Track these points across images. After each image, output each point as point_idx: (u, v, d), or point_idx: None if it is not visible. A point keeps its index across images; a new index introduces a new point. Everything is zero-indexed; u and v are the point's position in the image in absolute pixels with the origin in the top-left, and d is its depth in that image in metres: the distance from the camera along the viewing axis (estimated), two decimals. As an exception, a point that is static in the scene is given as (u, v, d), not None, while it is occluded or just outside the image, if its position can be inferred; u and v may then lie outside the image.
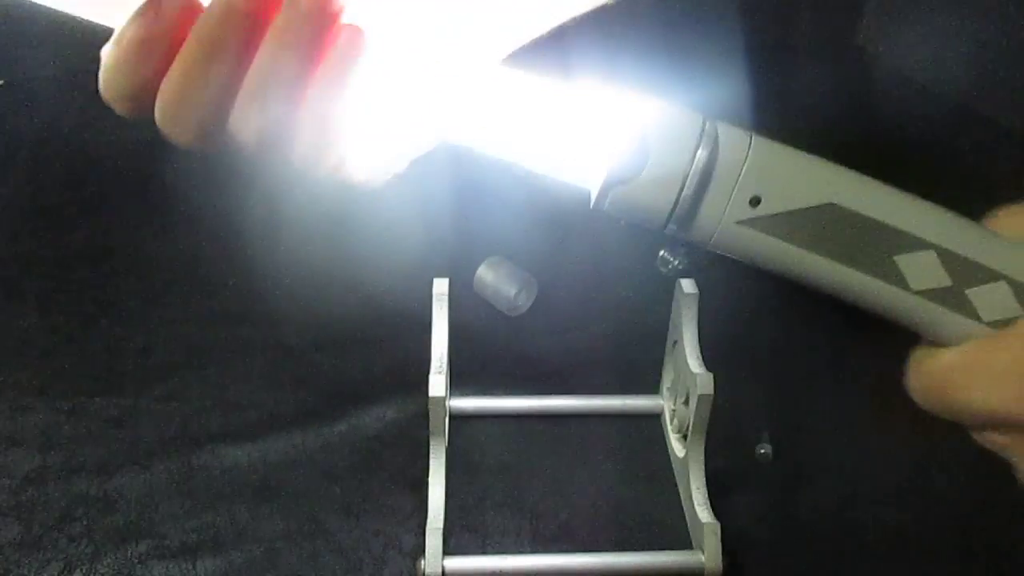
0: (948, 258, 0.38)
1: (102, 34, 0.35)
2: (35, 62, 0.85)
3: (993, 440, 0.40)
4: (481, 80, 0.37)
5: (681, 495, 0.56)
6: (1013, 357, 0.37)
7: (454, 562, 0.51)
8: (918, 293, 0.38)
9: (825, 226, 0.38)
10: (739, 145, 0.37)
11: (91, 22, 0.36)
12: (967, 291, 0.38)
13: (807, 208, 0.38)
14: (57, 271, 0.72)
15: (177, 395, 0.62)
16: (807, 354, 0.66)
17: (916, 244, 0.38)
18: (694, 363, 0.53)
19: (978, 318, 0.39)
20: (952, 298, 0.38)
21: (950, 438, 0.61)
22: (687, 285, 0.56)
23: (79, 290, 0.70)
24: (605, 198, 0.38)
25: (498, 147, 0.39)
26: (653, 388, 0.62)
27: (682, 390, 0.56)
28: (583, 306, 0.70)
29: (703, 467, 0.54)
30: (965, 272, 0.38)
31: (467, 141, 0.38)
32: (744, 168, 0.37)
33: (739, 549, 0.53)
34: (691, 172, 0.36)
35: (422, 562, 0.50)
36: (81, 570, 0.51)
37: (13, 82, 0.86)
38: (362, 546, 0.53)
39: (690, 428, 0.53)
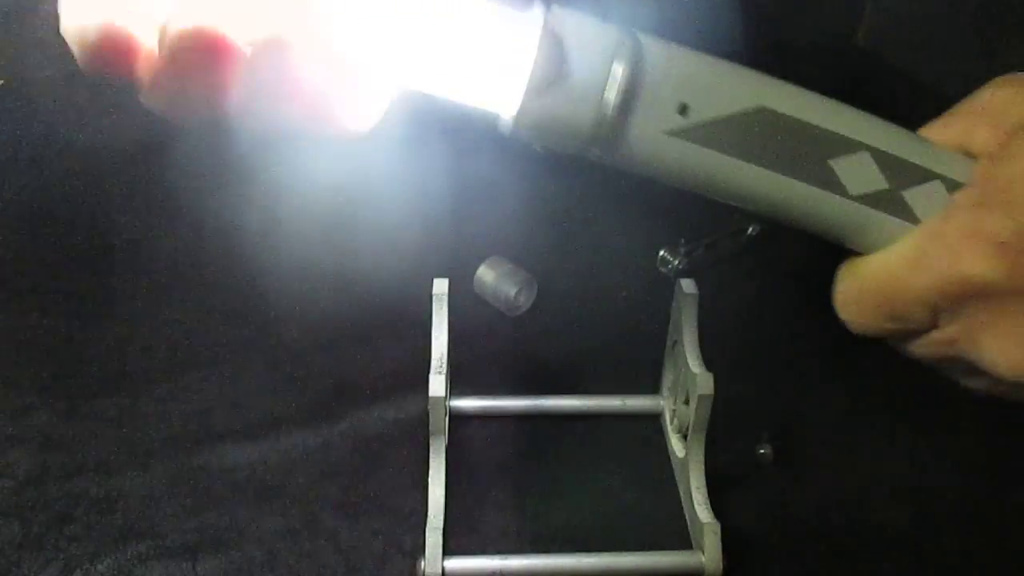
0: (882, 159, 0.37)
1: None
2: (35, 62, 0.85)
3: (933, 342, 0.38)
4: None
5: (681, 495, 0.56)
6: (956, 237, 0.36)
7: (454, 562, 0.51)
8: (856, 198, 0.37)
9: (758, 132, 0.36)
10: (661, 52, 0.36)
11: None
12: (903, 193, 0.37)
13: (738, 113, 0.36)
14: (57, 271, 0.72)
15: (177, 395, 0.62)
16: (807, 354, 0.66)
17: (850, 146, 0.37)
18: (694, 363, 0.53)
19: (916, 220, 0.37)
20: (890, 201, 0.37)
21: (950, 438, 0.61)
22: (687, 285, 0.56)
23: (79, 290, 0.70)
24: (524, 118, 0.35)
25: (408, 73, 0.36)
26: (653, 388, 0.62)
27: (682, 390, 0.56)
28: (583, 306, 0.70)
29: (703, 467, 0.54)
30: (900, 173, 0.37)
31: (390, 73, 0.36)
32: (669, 74, 0.35)
33: (739, 549, 0.53)
34: (611, 77, 0.34)
35: (422, 562, 0.50)
36: (81, 570, 0.51)
37: (13, 82, 0.86)
38: (362, 546, 0.53)
39: (690, 428, 0.53)
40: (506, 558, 0.52)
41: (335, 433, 0.60)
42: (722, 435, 0.55)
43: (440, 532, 0.51)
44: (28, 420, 0.60)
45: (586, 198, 0.78)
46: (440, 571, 0.50)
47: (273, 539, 0.53)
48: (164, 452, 0.58)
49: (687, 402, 0.54)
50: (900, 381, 0.64)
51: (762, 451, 0.58)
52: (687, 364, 0.54)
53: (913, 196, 0.37)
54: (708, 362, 0.53)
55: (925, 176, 0.37)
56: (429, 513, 0.53)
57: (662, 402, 0.61)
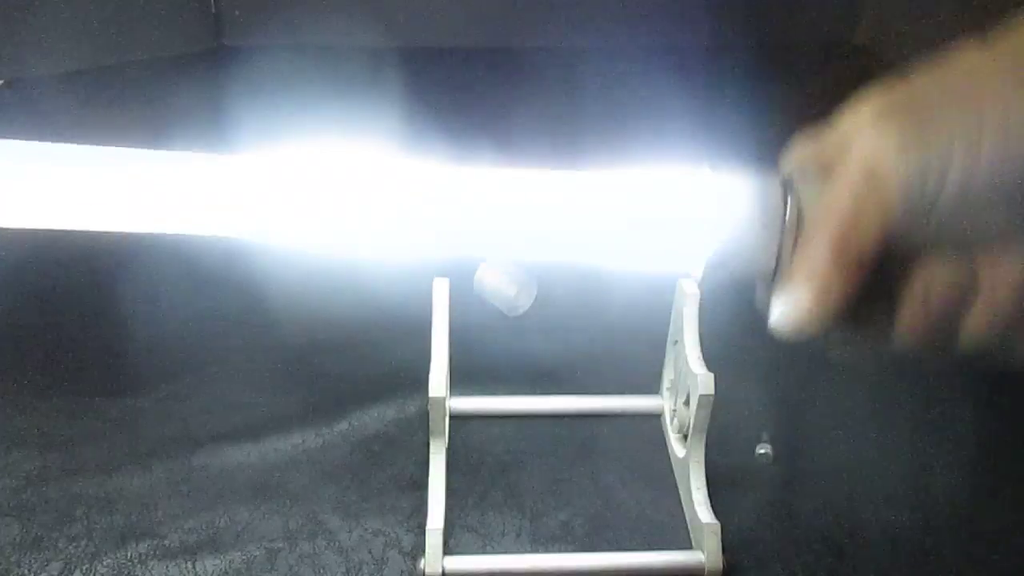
0: None
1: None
2: (35, 62, 0.85)
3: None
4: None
5: (681, 495, 0.56)
6: None
7: (454, 562, 0.51)
8: None
9: None
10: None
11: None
12: None
13: None
14: (57, 271, 0.72)
15: (177, 395, 0.62)
16: (807, 354, 0.66)
17: None
18: (694, 363, 0.53)
19: None
20: None
21: (950, 438, 0.61)
22: (687, 285, 0.56)
23: (79, 290, 0.70)
24: (711, 278, 0.39)
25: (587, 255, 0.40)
26: (653, 388, 0.62)
27: (682, 390, 0.56)
28: (583, 306, 0.70)
29: (703, 467, 0.54)
30: None
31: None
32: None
33: (739, 549, 0.53)
34: (784, 235, 0.36)
35: (422, 562, 0.50)
36: (81, 570, 0.51)
37: (13, 82, 0.86)
38: (362, 546, 0.53)
39: (690, 428, 0.53)
40: (506, 558, 0.52)
41: (335, 433, 0.60)
42: (722, 435, 0.55)
43: (440, 532, 0.51)
44: (28, 420, 0.60)
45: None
46: (440, 571, 0.50)
47: (273, 539, 0.53)
48: (164, 452, 0.58)
49: (687, 402, 0.54)
50: (900, 381, 0.64)
51: (762, 451, 0.58)
52: (687, 364, 0.54)
53: None
54: (708, 362, 0.53)
55: None
56: (429, 513, 0.53)
57: (662, 402, 0.61)
